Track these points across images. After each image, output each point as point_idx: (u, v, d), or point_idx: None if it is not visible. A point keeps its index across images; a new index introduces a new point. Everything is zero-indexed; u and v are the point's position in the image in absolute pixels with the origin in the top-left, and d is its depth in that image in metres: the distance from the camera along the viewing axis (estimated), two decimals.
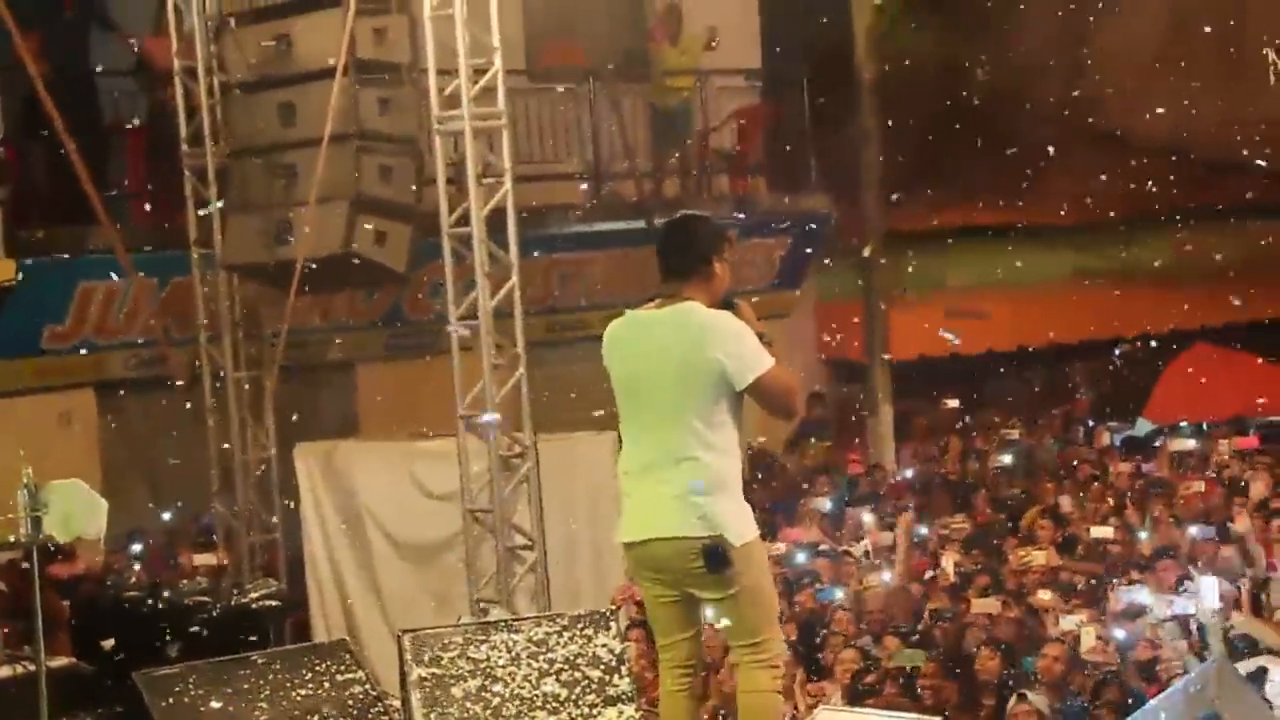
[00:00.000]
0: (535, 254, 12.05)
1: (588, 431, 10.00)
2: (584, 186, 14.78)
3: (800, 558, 10.60)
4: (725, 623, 5.38)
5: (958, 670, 8.55)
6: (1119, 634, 8.74)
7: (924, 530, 11.45)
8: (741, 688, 5.40)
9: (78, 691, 7.98)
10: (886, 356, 14.88)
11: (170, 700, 6.16)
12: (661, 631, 5.50)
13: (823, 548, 10.99)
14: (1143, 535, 10.90)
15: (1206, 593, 8.82)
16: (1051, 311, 17.56)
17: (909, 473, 13.87)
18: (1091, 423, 15.44)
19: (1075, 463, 13.66)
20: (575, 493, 9.94)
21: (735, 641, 5.40)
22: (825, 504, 12.25)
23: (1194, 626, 8.64)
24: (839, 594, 9.77)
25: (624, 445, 5.44)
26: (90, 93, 12.34)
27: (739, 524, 5.24)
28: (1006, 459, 13.55)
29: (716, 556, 5.16)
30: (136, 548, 11.45)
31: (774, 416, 5.50)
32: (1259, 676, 6.98)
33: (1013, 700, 8.03)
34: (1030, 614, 9.39)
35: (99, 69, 12.56)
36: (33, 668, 6.96)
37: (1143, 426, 15.19)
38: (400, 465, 10.34)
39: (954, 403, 16.02)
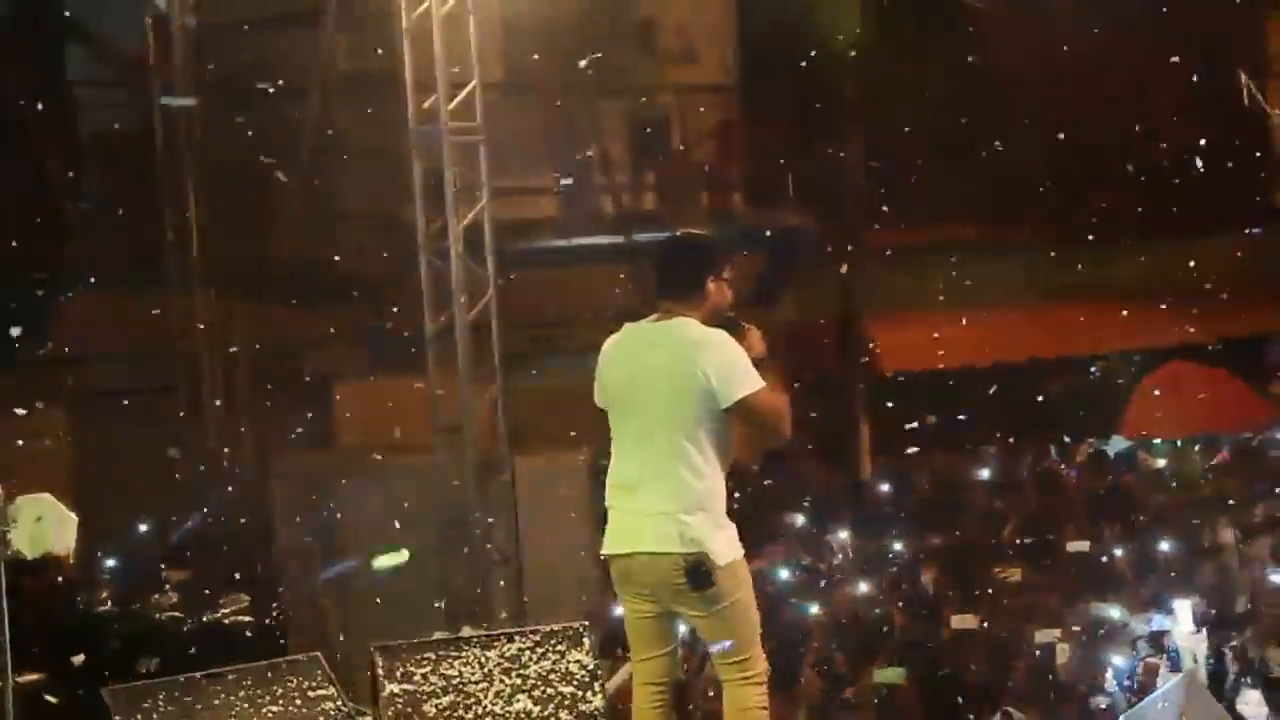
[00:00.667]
0: (512, 269, 12.02)
1: (564, 447, 9.99)
2: (561, 200, 14.77)
3: (779, 575, 10.60)
4: (710, 640, 5.36)
5: (933, 686, 8.56)
6: (1101, 652, 8.76)
7: (899, 546, 11.47)
8: (728, 705, 5.39)
9: (46, 707, 7.91)
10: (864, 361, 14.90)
11: (140, 716, 6.12)
12: (638, 647, 5.49)
13: (805, 562, 11.01)
14: (1118, 552, 10.93)
15: (1181, 613, 8.84)
16: (1029, 328, 17.58)
17: (886, 488, 13.88)
18: (1068, 439, 15.46)
19: (1047, 476, 13.68)
20: (551, 508, 9.92)
21: (721, 660, 5.39)
22: (800, 520, 12.26)
23: (1169, 644, 8.66)
24: (814, 609, 9.79)
25: (613, 458, 5.42)
26: (68, 105, 12.30)
27: (722, 543, 5.23)
28: (984, 474, 13.57)
29: (699, 574, 5.15)
30: (109, 562, 11.37)
31: (762, 439, 5.48)
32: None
33: (997, 717, 8.04)
34: (1007, 629, 9.41)
35: (77, 80, 12.52)
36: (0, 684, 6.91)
37: (1118, 443, 15.23)
38: (377, 479, 10.31)
39: (931, 419, 16.02)
